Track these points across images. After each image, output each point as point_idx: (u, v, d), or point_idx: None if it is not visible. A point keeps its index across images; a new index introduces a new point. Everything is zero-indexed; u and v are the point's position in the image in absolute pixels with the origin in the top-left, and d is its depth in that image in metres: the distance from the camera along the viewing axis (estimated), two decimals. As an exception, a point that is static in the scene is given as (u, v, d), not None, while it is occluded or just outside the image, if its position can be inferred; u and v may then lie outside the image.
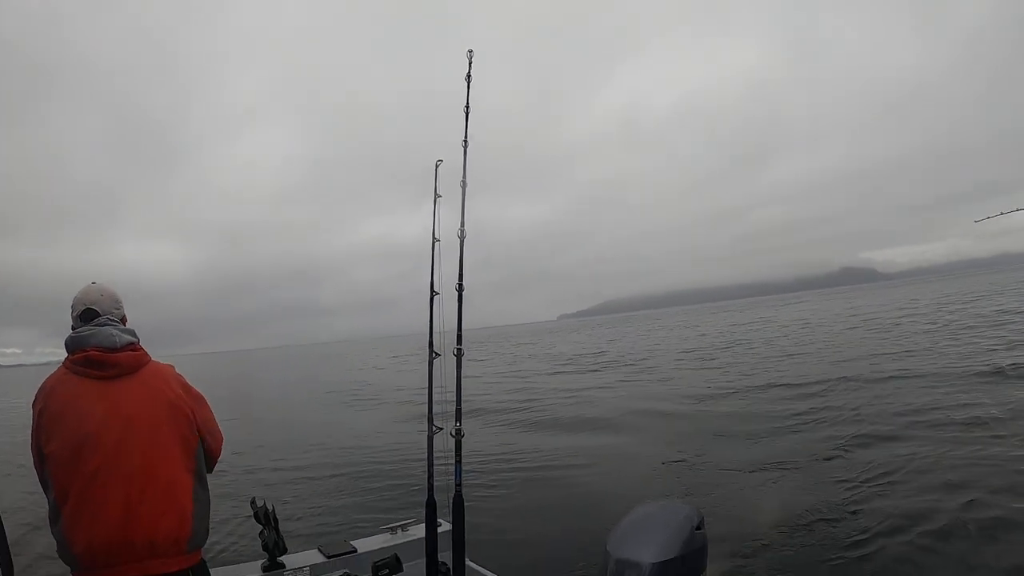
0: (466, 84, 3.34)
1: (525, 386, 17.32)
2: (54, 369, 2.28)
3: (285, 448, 11.15)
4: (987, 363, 11.34)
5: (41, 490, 2.20)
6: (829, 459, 6.92)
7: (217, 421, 2.49)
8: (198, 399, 2.41)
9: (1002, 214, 4.23)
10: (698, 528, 2.51)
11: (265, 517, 3.04)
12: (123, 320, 2.46)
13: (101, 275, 2.50)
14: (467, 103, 3.29)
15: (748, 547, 4.88)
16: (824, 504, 5.57)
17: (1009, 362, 11.00)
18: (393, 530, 3.47)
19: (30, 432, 2.19)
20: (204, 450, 2.37)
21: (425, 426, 3.07)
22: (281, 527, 3.08)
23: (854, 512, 5.26)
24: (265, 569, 3.02)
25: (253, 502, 3.11)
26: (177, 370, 2.43)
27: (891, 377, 11.26)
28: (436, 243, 3.10)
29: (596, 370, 20.79)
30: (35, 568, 5.38)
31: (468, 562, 3.09)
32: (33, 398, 2.22)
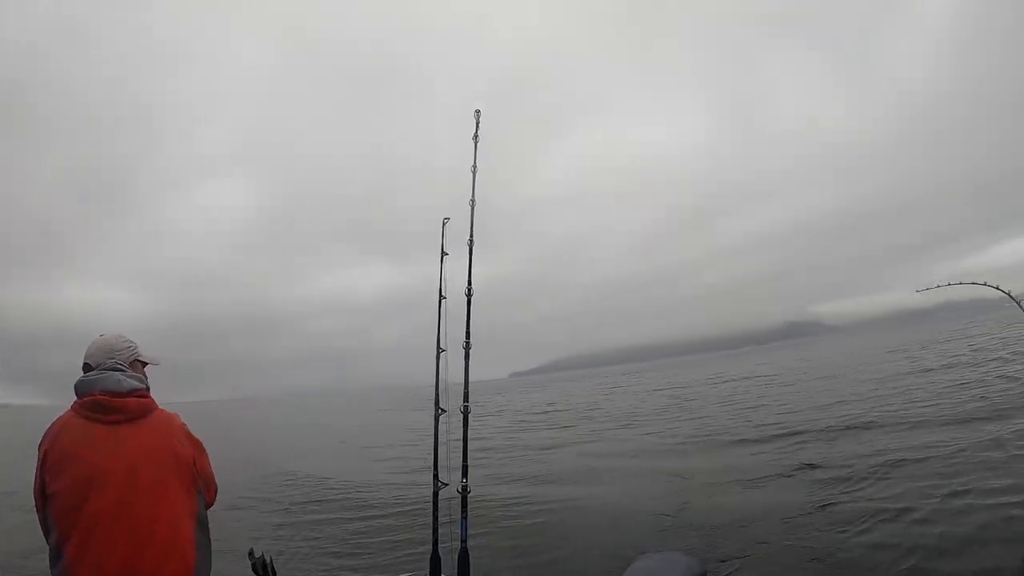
0: (473, 144, 3.38)
1: (496, 443, 17.08)
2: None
3: (278, 500, 10.91)
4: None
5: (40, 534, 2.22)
6: (824, 505, 6.96)
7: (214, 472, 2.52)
8: (200, 449, 2.44)
9: (938, 286, 4.74)
10: None
11: (263, 569, 2.98)
12: (136, 363, 2.48)
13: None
14: (474, 163, 3.33)
15: None
16: (823, 548, 5.58)
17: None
18: None
19: (34, 473, 2.21)
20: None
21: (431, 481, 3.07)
22: None
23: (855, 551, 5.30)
24: None
25: (251, 553, 3.05)
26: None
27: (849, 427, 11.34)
28: (443, 300, 3.12)
29: (560, 426, 20.59)
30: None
31: None
32: (40, 439, 2.24)
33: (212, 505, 2.51)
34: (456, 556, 2.98)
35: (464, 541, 3.01)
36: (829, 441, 10.42)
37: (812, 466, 8.86)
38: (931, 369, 18.13)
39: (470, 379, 3.10)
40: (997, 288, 3.52)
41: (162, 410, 2.39)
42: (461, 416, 3.03)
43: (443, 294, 3.16)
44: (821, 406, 14.93)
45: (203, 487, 2.39)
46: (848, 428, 11.06)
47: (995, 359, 17.45)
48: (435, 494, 3.11)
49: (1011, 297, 3.10)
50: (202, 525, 2.31)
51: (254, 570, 3.00)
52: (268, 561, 3.02)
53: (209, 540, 2.35)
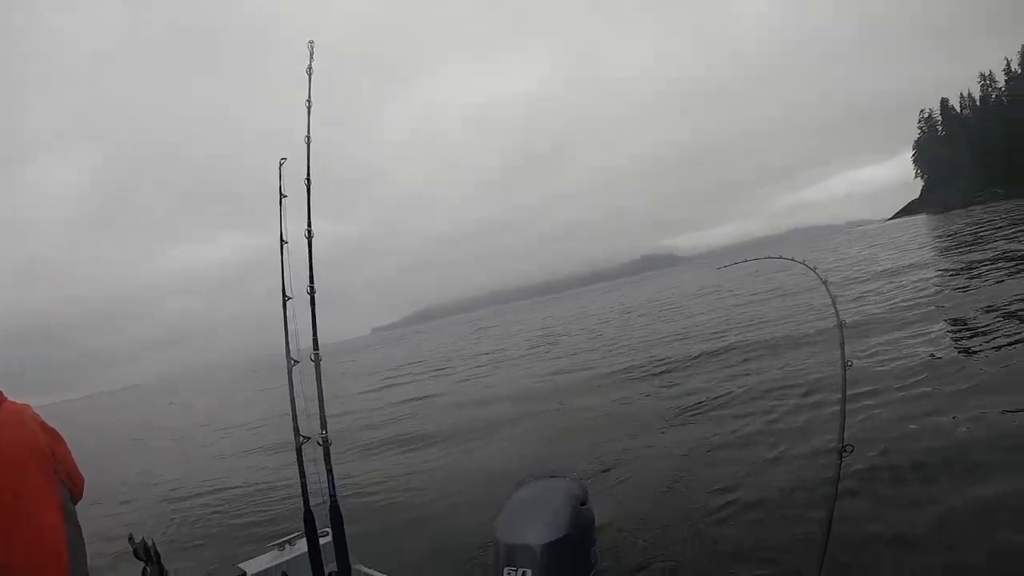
0: (307, 77, 3.23)
1: (363, 402, 17.02)
2: None
3: (145, 495, 10.37)
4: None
5: None
6: (690, 415, 7.62)
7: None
8: (57, 438, 2.26)
9: (739, 262, 4.92)
10: (583, 504, 2.53)
11: (146, 553, 2.81)
12: None
13: None
14: (309, 97, 3.17)
15: (633, 519, 4.95)
16: (690, 469, 5.90)
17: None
18: (281, 546, 3.32)
19: None
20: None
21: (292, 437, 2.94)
22: (164, 561, 2.87)
23: (720, 478, 5.47)
24: None
25: (131, 538, 2.87)
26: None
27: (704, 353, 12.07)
28: (284, 245, 2.94)
29: (427, 377, 20.83)
30: None
31: (359, 567, 3.08)
32: None
33: (80, 498, 2.33)
34: (328, 508, 2.90)
35: (333, 495, 2.91)
36: (693, 364, 11.05)
37: (675, 386, 9.53)
38: (783, 292, 19.61)
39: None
40: (804, 264, 3.72)
41: (12, 402, 2.19)
42: (313, 366, 2.89)
43: (284, 239, 2.97)
44: (681, 333, 15.88)
45: (66, 479, 2.21)
46: (709, 353, 11.76)
47: (838, 281, 19.23)
48: (298, 450, 2.97)
49: (816, 274, 3.28)
50: (71, 519, 2.15)
51: (136, 555, 2.82)
52: (150, 545, 2.85)
53: (80, 532, 2.20)
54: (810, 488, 4.79)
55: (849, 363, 2.45)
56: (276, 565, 3.15)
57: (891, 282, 15.71)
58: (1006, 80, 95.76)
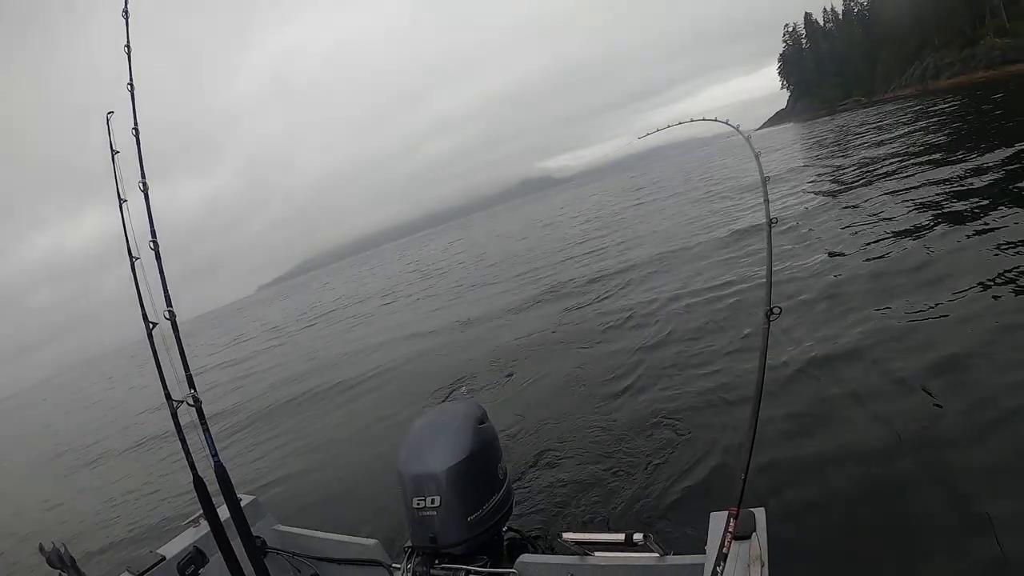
0: (124, 20, 2.99)
1: (257, 365, 16.57)
2: None
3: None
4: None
5: None
6: (578, 310, 8.34)
7: None
8: None
9: (658, 131, 4.83)
10: (482, 422, 2.56)
11: (60, 560, 2.69)
12: None
13: None
14: (127, 41, 2.95)
15: (541, 420, 5.19)
16: (593, 366, 6.24)
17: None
18: (195, 521, 3.25)
19: None
20: None
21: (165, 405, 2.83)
22: (80, 564, 2.74)
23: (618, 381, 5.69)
24: None
25: (41, 548, 2.72)
26: None
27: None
28: (124, 203, 2.77)
29: (309, 330, 20.62)
30: None
31: (278, 527, 3.11)
32: None
33: None
34: (214, 472, 2.83)
35: (215, 455, 2.84)
36: (576, 277, 11.56)
37: (556, 291, 10.43)
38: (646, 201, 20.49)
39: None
40: (727, 122, 3.78)
41: None
42: (171, 326, 2.76)
43: (123, 196, 2.80)
44: (564, 249, 16.80)
45: None
46: (589, 264, 12.41)
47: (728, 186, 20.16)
48: (174, 415, 2.86)
49: (737, 129, 3.32)
50: None
51: (50, 564, 2.68)
52: (64, 550, 2.71)
53: None
54: (740, 363, 5.13)
55: (774, 220, 2.38)
56: (193, 542, 3.11)
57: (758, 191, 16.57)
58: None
